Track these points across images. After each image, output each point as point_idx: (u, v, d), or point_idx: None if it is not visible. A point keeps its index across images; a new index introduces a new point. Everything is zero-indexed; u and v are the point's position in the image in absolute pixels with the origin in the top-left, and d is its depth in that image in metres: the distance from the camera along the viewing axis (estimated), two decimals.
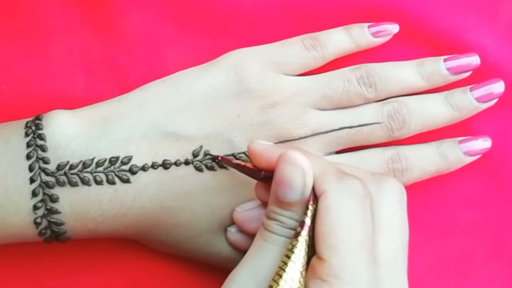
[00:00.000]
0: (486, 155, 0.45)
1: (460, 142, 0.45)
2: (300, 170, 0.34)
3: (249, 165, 0.39)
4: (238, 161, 0.40)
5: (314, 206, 0.34)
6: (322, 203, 0.34)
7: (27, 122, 0.40)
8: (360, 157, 0.43)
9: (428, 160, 0.44)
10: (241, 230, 0.42)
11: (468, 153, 0.44)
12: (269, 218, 0.35)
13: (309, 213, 0.34)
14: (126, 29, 0.45)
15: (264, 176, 0.37)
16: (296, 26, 0.45)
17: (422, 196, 0.47)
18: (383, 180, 0.37)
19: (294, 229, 0.35)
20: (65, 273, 0.45)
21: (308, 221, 0.34)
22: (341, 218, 0.33)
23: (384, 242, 0.35)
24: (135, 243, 0.44)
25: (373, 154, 0.44)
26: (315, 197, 0.35)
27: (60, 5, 0.45)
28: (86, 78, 0.45)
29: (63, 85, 0.45)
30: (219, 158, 0.41)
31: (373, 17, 0.45)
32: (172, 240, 0.42)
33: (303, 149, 0.38)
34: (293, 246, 0.34)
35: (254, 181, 0.41)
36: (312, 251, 0.34)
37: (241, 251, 0.42)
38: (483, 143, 0.45)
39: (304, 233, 0.34)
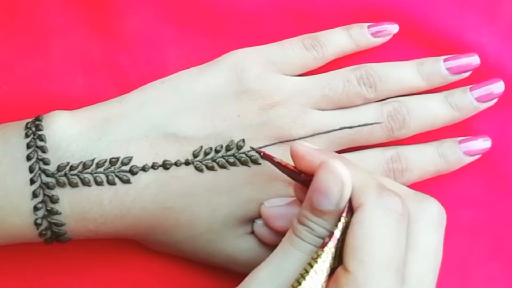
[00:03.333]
0: (486, 155, 0.45)
1: (460, 142, 0.45)
2: (339, 180, 0.34)
3: (290, 165, 0.38)
4: (279, 160, 0.39)
5: (346, 219, 0.34)
6: (357, 216, 0.34)
7: (27, 123, 0.40)
8: (360, 157, 0.43)
9: (428, 160, 0.44)
10: (267, 225, 0.42)
11: (468, 153, 0.44)
12: (300, 222, 0.36)
13: (340, 225, 0.34)
14: (126, 29, 0.45)
15: (303, 179, 0.37)
16: (296, 26, 0.45)
17: None
18: (424, 201, 0.37)
19: (323, 238, 0.34)
20: (65, 274, 0.45)
21: (337, 233, 0.34)
22: (374, 233, 0.33)
23: (415, 264, 0.35)
24: (135, 243, 0.44)
25: (373, 154, 0.44)
26: (349, 209, 0.35)
27: (60, 5, 0.45)
28: (86, 78, 0.45)
29: (63, 85, 0.45)
30: (262, 153, 0.40)
31: (373, 17, 0.45)
32: (172, 240, 0.42)
33: (347, 158, 0.37)
34: (318, 256, 0.34)
35: (254, 181, 0.42)
36: (338, 261, 0.34)
37: (245, 251, 0.43)
38: (483, 143, 0.45)
39: (331, 245, 0.34)
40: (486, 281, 0.47)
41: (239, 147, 0.41)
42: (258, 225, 0.42)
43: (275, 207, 0.41)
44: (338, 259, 0.34)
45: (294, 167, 0.38)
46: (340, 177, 0.34)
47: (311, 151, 0.37)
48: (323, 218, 0.35)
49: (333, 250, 0.34)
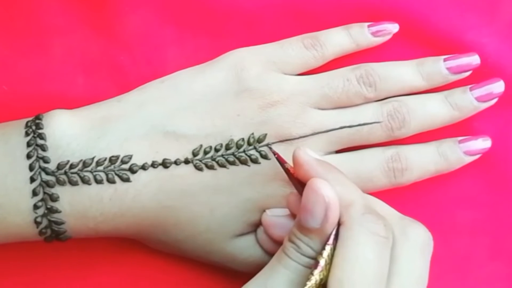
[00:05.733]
0: (486, 155, 0.45)
1: (460, 141, 0.45)
2: (321, 200, 0.35)
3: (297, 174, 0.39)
4: (289, 167, 0.39)
5: (332, 247, 0.35)
6: (340, 234, 0.35)
7: (27, 122, 0.40)
8: (360, 156, 0.43)
9: (428, 159, 0.44)
10: (266, 233, 0.42)
11: (468, 153, 0.44)
12: (289, 239, 0.36)
13: (325, 253, 0.34)
14: (126, 29, 0.45)
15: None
16: (296, 26, 0.45)
17: (422, 196, 0.47)
18: (410, 226, 0.38)
19: (308, 256, 0.35)
20: (65, 272, 0.45)
21: (322, 262, 0.34)
22: (353, 253, 0.34)
23: None
24: (135, 242, 0.44)
25: (373, 153, 0.44)
26: (336, 237, 0.35)
27: (60, 5, 0.45)
28: (86, 78, 0.45)
29: (63, 85, 0.45)
30: (276, 155, 0.40)
31: (373, 17, 0.45)
32: (171, 239, 0.42)
33: (341, 176, 0.37)
34: (304, 285, 0.34)
35: (254, 181, 0.42)
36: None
37: (244, 250, 0.43)
38: (483, 143, 0.45)
39: (316, 272, 0.34)
40: (486, 281, 0.47)
41: (238, 146, 0.41)
42: (261, 230, 0.43)
43: (276, 217, 0.42)
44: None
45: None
46: (322, 196, 0.35)
47: (309, 161, 0.37)
48: (309, 237, 0.36)
49: (317, 277, 0.34)
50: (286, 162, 0.40)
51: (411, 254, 0.36)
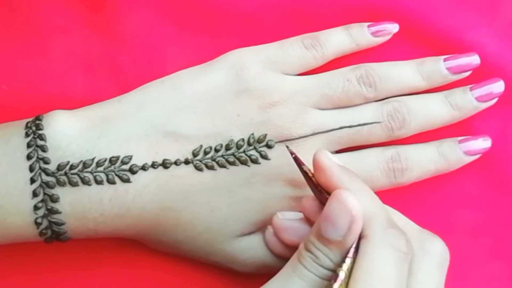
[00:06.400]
0: (486, 155, 0.45)
1: (460, 141, 0.45)
2: (348, 213, 0.34)
3: (315, 179, 0.38)
4: (308, 170, 0.38)
5: (352, 260, 0.34)
6: (361, 247, 0.34)
7: (27, 123, 0.40)
8: (360, 156, 0.43)
9: (428, 159, 0.44)
10: (276, 236, 0.42)
11: (468, 153, 0.44)
12: (306, 248, 0.35)
13: (345, 266, 0.33)
14: (126, 29, 0.45)
15: (321, 197, 0.37)
16: (296, 26, 0.45)
17: (422, 196, 0.47)
18: (428, 240, 0.37)
19: (327, 268, 0.34)
20: (65, 273, 0.45)
21: (342, 274, 0.33)
22: (374, 268, 0.33)
23: None
24: (135, 243, 0.44)
25: (373, 153, 0.44)
26: (356, 250, 0.34)
27: (60, 5, 0.45)
28: (86, 78, 0.45)
29: (63, 85, 0.45)
30: (294, 155, 0.39)
31: (373, 17, 0.45)
32: (171, 239, 0.42)
33: (364, 186, 0.37)
34: None
35: (254, 181, 0.42)
36: None
37: (244, 251, 0.43)
38: (483, 143, 0.45)
39: (336, 285, 0.33)
40: (486, 281, 0.47)
41: (239, 146, 0.41)
42: (270, 233, 0.42)
43: (288, 220, 0.41)
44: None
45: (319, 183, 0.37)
46: (349, 210, 0.34)
47: (333, 167, 0.37)
48: (329, 248, 0.35)
49: None
50: (304, 164, 0.39)
51: (429, 269, 0.36)
